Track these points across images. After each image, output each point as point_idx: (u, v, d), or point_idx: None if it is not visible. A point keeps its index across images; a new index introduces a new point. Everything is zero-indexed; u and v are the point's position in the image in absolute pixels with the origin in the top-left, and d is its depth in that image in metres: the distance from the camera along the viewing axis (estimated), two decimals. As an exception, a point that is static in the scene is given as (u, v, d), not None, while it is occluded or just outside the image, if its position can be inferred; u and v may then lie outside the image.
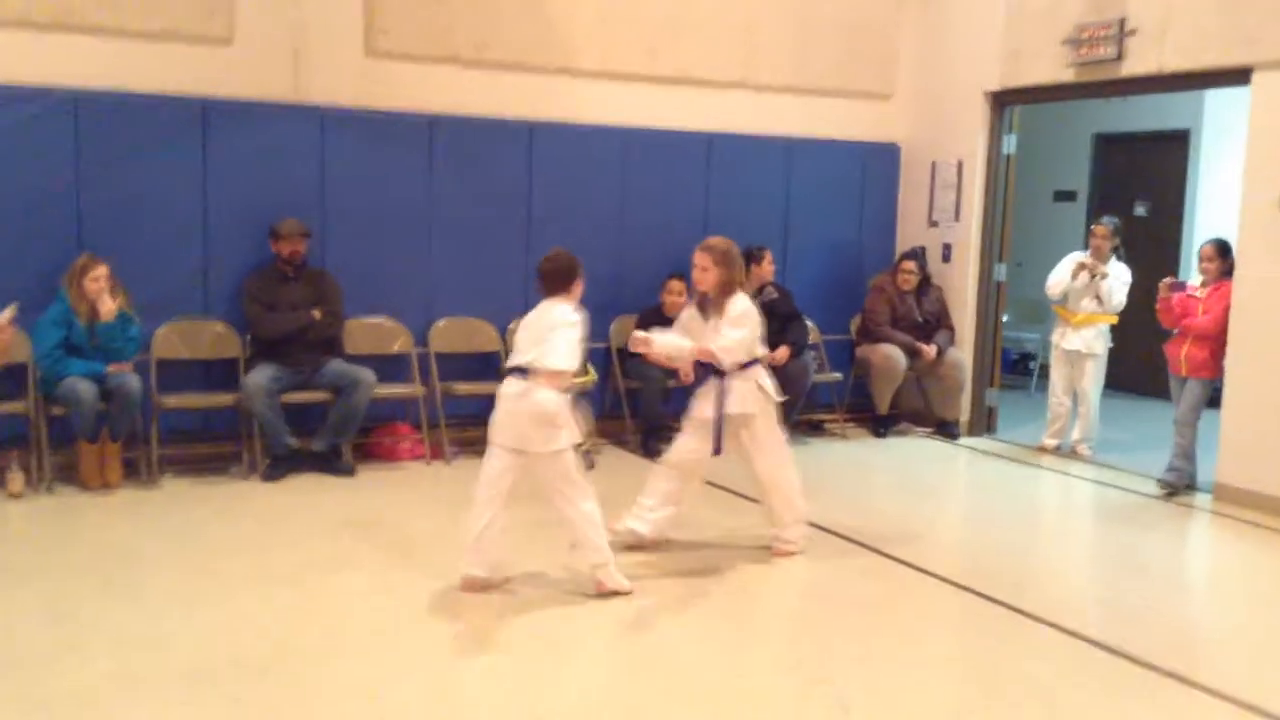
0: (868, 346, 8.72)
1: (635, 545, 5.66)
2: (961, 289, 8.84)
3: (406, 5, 7.58)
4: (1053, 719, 4.07)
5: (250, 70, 7.22)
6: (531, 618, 4.78)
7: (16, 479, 6.28)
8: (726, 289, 5.50)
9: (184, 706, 3.91)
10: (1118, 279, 8.10)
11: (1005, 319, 9.20)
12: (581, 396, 5.00)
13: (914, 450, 8.45)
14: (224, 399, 6.96)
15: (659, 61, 8.38)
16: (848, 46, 9.00)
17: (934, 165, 9.01)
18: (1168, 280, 7.45)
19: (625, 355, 8.13)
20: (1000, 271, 8.84)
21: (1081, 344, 8.17)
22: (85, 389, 6.34)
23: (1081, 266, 8.09)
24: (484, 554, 5.00)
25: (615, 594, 4.98)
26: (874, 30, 9.10)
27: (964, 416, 8.81)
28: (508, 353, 5.77)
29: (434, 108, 7.70)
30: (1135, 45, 7.45)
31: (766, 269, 8.14)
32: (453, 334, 7.68)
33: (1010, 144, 8.69)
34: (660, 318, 8.02)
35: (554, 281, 5.00)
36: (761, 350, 5.73)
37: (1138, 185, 10.84)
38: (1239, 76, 6.96)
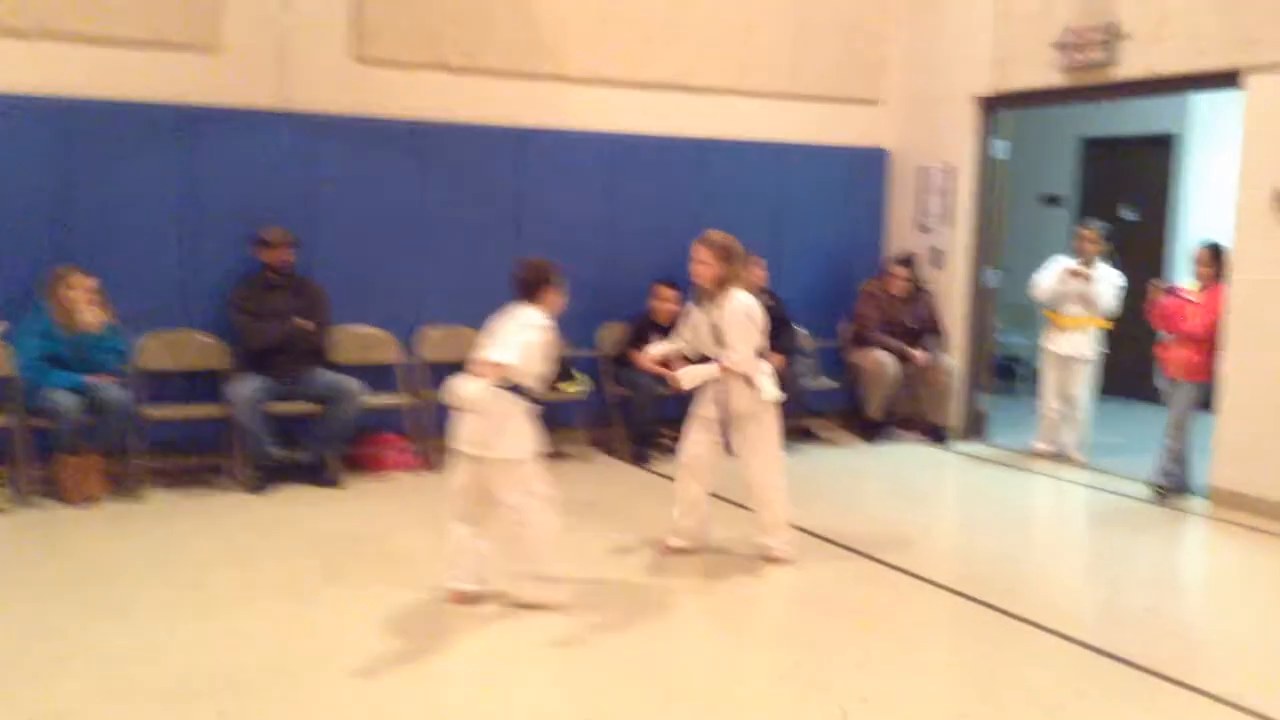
0: (859, 352, 8.69)
1: (683, 551, 5.74)
2: (951, 294, 8.81)
3: (393, 11, 7.51)
4: (1055, 728, 4.03)
5: (236, 77, 7.15)
6: (524, 628, 4.71)
7: (-1, 492, 6.20)
8: (724, 284, 5.46)
9: (171, 724, 3.83)
10: (1108, 283, 8.07)
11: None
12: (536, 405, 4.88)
13: (905, 456, 8.41)
14: (209, 410, 6.87)
15: (649, 68, 8.34)
16: (837, 52, 8.98)
17: (924, 170, 8.98)
18: (1160, 283, 7.43)
19: (616, 363, 8.08)
20: (990, 276, 8.81)
21: (1072, 348, 8.14)
22: (68, 401, 6.25)
23: (1072, 274, 8.07)
24: (465, 567, 4.93)
25: (539, 608, 4.83)
26: (863, 36, 9.08)
27: (955, 422, 8.78)
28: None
29: (422, 114, 7.64)
30: (1126, 49, 7.44)
31: (758, 275, 8.08)
32: (442, 342, 7.60)
33: (1000, 148, 8.67)
34: (651, 324, 7.99)
35: (526, 289, 4.94)
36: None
37: (1124, 189, 10.83)
38: (1230, 80, 6.95)
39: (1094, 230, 8.16)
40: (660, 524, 6.20)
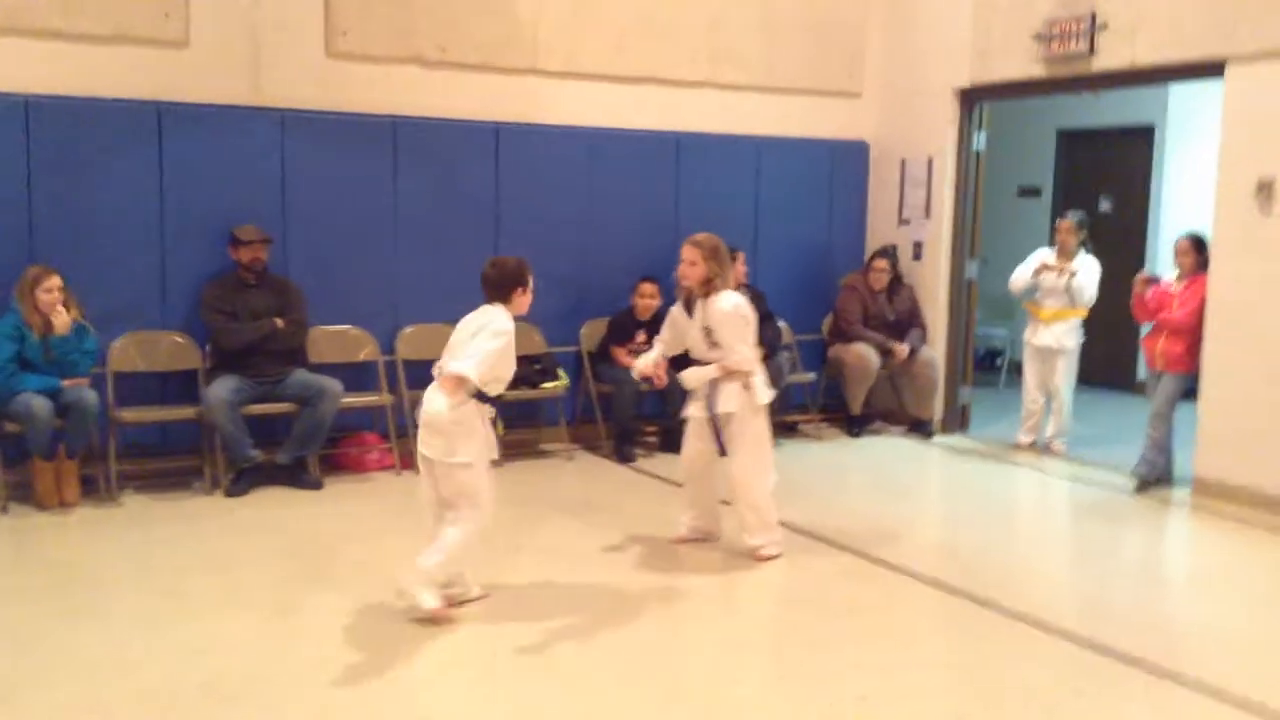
0: (840, 346, 8.64)
1: (693, 541, 5.79)
2: (933, 287, 8.78)
3: (367, 5, 7.40)
4: (1052, 725, 4.00)
5: (207, 73, 7.02)
6: (512, 632, 4.62)
7: (-31, 499, 6.07)
8: (712, 284, 5.42)
9: (153, 737, 3.75)
10: (1087, 273, 8.06)
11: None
12: (493, 410, 4.79)
13: (889, 450, 8.37)
14: (184, 412, 6.76)
15: (625, 61, 8.26)
16: (815, 44, 8.92)
17: (903, 163, 8.94)
18: (1143, 275, 7.43)
19: (596, 359, 8.01)
20: (971, 269, 8.79)
21: (1053, 340, 8.13)
22: (39, 405, 6.12)
23: (1045, 268, 8.06)
24: None
25: (430, 619, 4.68)
26: (842, 27, 9.02)
27: (937, 415, 8.75)
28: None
29: (397, 109, 7.53)
30: (1106, 40, 7.41)
31: (740, 270, 8.02)
32: (420, 340, 7.49)
33: (980, 140, 8.64)
34: (632, 320, 7.93)
35: (494, 288, 4.82)
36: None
37: (1103, 180, 10.84)
38: (1212, 70, 6.93)
39: (1072, 221, 8.15)
40: (648, 520, 6.18)
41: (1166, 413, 7.11)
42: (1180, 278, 7.12)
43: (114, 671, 4.20)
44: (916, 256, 8.88)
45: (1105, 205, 10.72)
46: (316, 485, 6.81)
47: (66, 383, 6.27)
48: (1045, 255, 8.22)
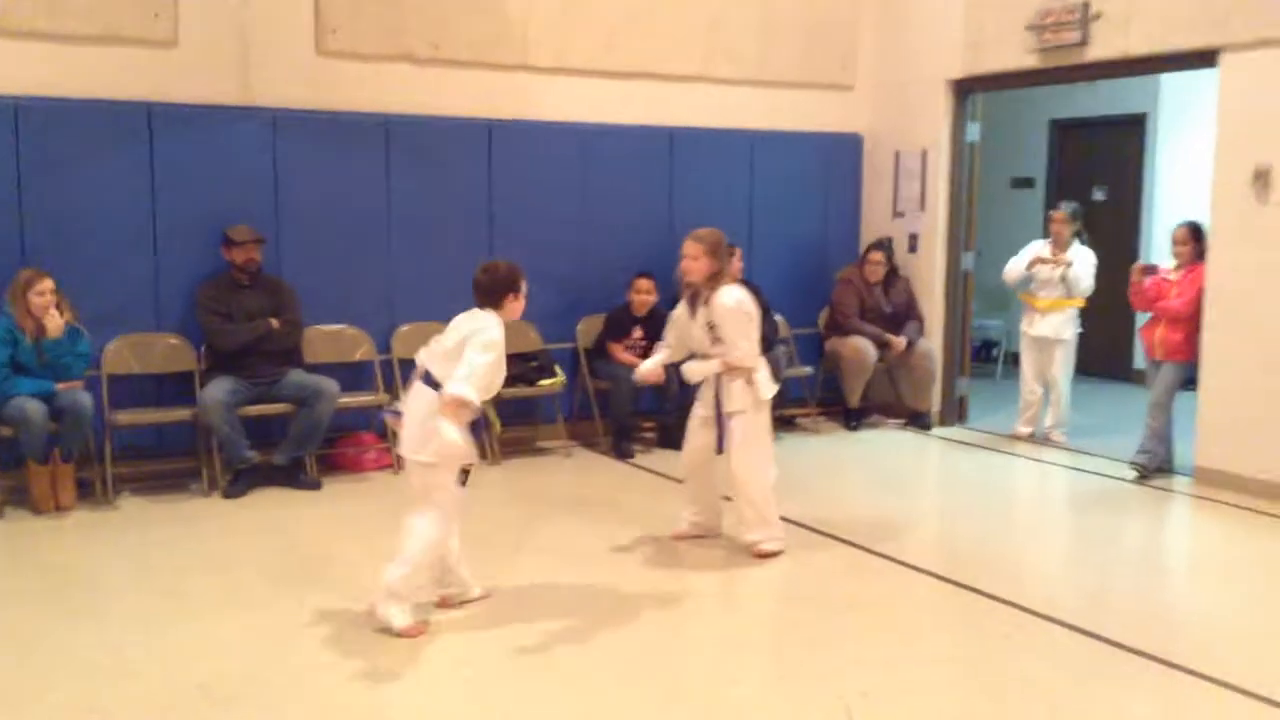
0: (837, 339, 8.62)
1: (692, 538, 5.78)
2: (929, 279, 8.76)
3: (357, 3, 7.35)
4: (1057, 717, 3.97)
5: (197, 72, 6.97)
6: (512, 632, 4.59)
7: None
8: (715, 279, 5.39)
9: (154, 741, 3.71)
10: (1083, 264, 8.05)
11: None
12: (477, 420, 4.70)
13: (887, 442, 8.35)
14: (180, 414, 6.72)
15: (617, 56, 8.22)
16: (808, 37, 8.89)
17: (897, 155, 8.92)
18: (1140, 264, 7.41)
19: (593, 355, 7.98)
20: (967, 260, 8.77)
21: (1050, 330, 8.12)
22: (34, 409, 6.07)
23: (1039, 261, 8.05)
24: (433, 572, 4.77)
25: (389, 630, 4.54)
26: (834, 20, 8.99)
27: (935, 407, 8.73)
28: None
29: (389, 108, 7.49)
30: (1100, 29, 7.39)
31: (736, 266, 7.97)
32: (416, 339, 7.35)
33: (974, 131, 8.63)
34: (629, 316, 7.90)
35: (485, 294, 4.66)
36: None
37: (1096, 170, 10.84)
38: (1205, 59, 6.92)
39: (1065, 212, 8.14)
40: (647, 517, 6.15)
41: (1166, 402, 7.10)
42: (1178, 267, 7.10)
43: (112, 674, 4.17)
44: (912, 249, 8.86)
45: (1099, 195, 10.70)
46: (314, 486, 6.78)
47: (61, 386, 6.22)
48: (1039, 248, 8.20)
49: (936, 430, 8.59)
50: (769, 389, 5.52)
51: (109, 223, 6.74)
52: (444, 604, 4.83)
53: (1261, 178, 6.57)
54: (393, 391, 7.27)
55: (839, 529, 5.97)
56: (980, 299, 9.49)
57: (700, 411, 5.61)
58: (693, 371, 5.52)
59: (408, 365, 7.26)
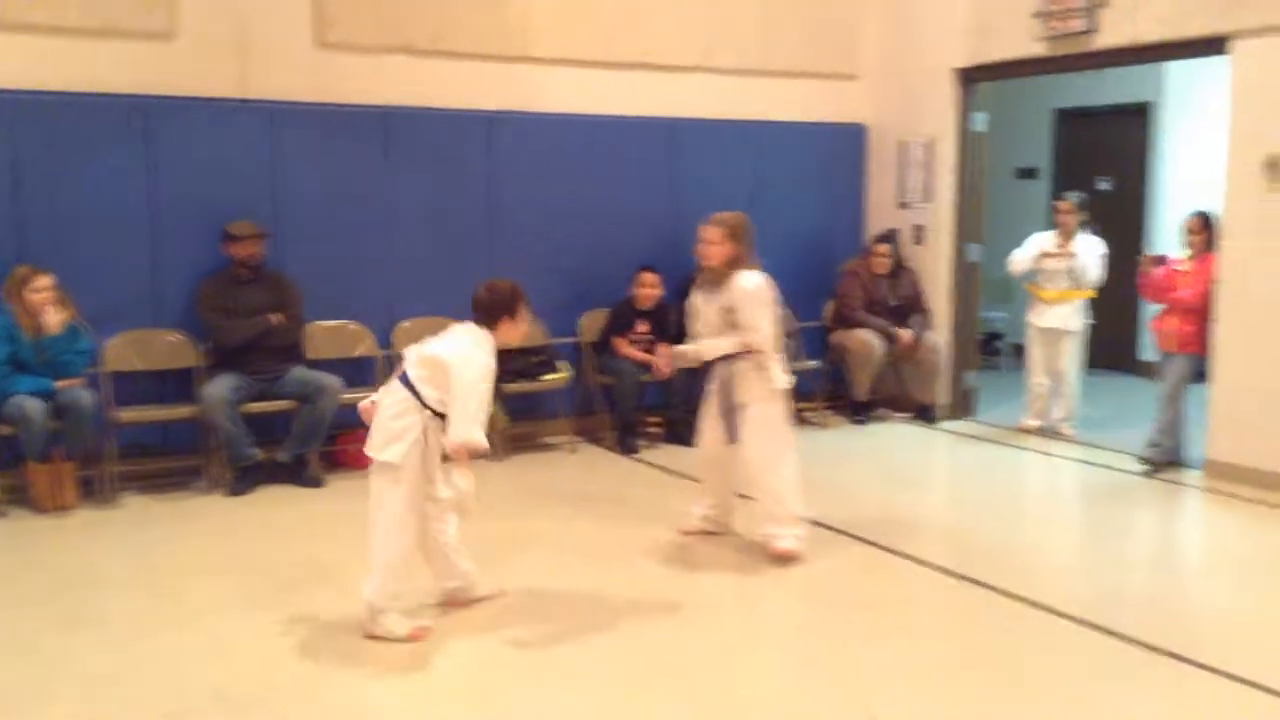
0: (843, 333, 8.55)
1: (702, 534, 5.69)
2: (935, 271, 8.68)
3: (355, -8, 7.27)
4: (1082, 717, 3.90)
5: (194, 66, 6.88)
6: (522, 632, 4.53)
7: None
8: (735, 264, 5.28)
9: (163, 748, 3.64)
10: (1090, 254, 7.98)
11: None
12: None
13: (895, 436, 8.28)
14: (182, 411, 6.63)
15: (619, 47, 8.13)
16: (811, 26, 8.81)
17: (902, 145, 8.84)
18: (1150, 254, 7.34)
19: (597, 350, 7.91)
20: (974, 252, 8.69)
21: (1058, 321, 8.04)
22: (34, 407, 5.99)
23: (1045, 255, 7.98)
24: (435, 569, 4.73)
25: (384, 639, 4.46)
26: (837, 9, 8.91)
27: (942, 400, 8.66)
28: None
29: (388, 100, 7.41)
30: (1107, 17, 7.32)
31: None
32: (418, 334, 7.18)
33: (980, 121, 8.55)
34: (633, 310, 7.83)
35: (482, 313, 4.50)
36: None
37: (1100, 160, 10.76)
38: (1215, 46, 6.84)
39: (1071, 201, 8.07)
40: (654, 513, 6.08)
41: (1176, 395, 7.02)
42: (1190, 257, 7.03)
43: (119, 682, 4.09)
44: (918, 240, 8.78)
45: (1103, 185, 10.63)
46: (318, 483, 6.70)
47: (61, 384, 6.14)
48: (1044, 240, 8.13)
49: (944, 424, 8.52)
50: (784, 379, 5.41)
51: (107, 218, 6.65)
52: (451, 602, 4.76)
53: (1274, 166, 6.49)
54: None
55: (849, 525, 5.89)
56: (984, 291, 9.42)
57: (713, 404, 5.49)
58: (706, 349, 5.38)
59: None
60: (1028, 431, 8.16)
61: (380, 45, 7.39)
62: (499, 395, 7.22)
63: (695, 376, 5.80)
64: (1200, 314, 6.89)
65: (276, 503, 6.40)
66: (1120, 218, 10.15)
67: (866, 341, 8.35)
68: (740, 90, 8.59)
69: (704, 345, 5.41)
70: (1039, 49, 7.79)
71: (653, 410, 8.05)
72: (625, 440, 7.66)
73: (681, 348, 5.58)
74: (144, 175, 6.74)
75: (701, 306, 5.43)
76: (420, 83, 7.51)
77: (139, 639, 4.46)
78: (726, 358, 5.34)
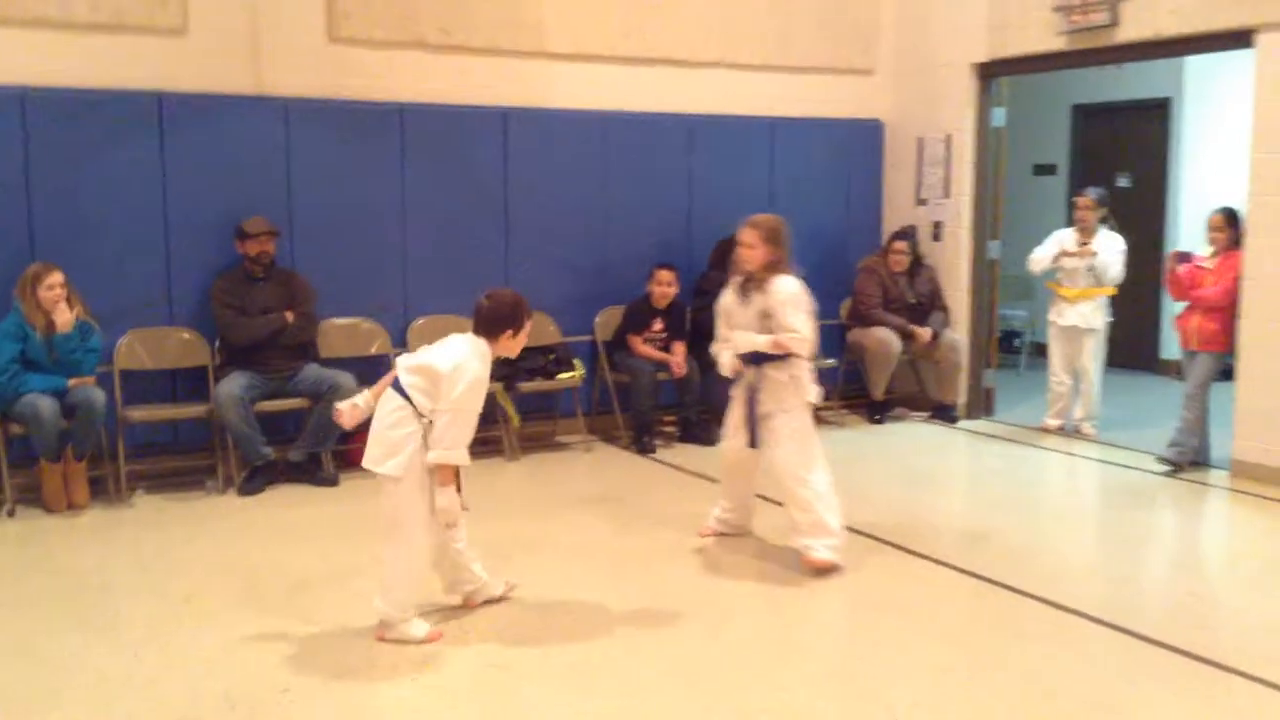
0: (860, 330, 8.46)
1: (721, 535, 5.64)
2: (954, 268, 8.59)
3: (368, -13, 7.20)
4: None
5: (207, 61, 6.83)
6: (540, 635, 4.46)
7: (-25, 504, 5.89)
8: (772, 268, 5.17)
9: (176, 754, 3.58)
10: (1111, 250, 7.87)
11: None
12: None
13: (914, 436, 8.18)
14: (194, 410, 6.59)
15: (635, 42, 8.06)
16: (828, 21, 8.72)
17: (920, 141, 8.74)
18: (1175, 251, 7.23)
19: (612, 348, 7.83)
20: (994, 249, 8.59)
21: (1080, 319, 7.94)
22: (45, 406, 5.94)
23: (1065, 254, 7.88)
24: (444, 580, 4.67)
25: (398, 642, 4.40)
26: (855, 4, 8.82)
27: (961, 399, 8.56)
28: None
29: (402, 95, 7.35)
30: (1130, 9, 7.21)
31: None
32: (432, 332, 7.22)
33: (999, 116, 8.45)
34: (649, 308, 7.75)
35: (483, 324, 4.40)
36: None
37: (1119, 156, 10.64)
38: (1240, 39, 6.74)
39: (1091, 198, 7.96)
40: (671, 514, 6.00)
41: (1200, 394, 6.92)
42: (1214, 254, 6.92)
43: (131, 686, 4.02)
44: (936, 237, 8.69)
45: (1123, 181, 10.51)
46: (332, 482, 6.64)
47: (72, 382, 6.09)
48: (1064, 238, 8.02)
49: (963, 423, 8.42)
50: (813, 389, 5.29)
51: (120, 215, 6.60)
52: (468, 604, 4.71)
53: (1301, 162, 6.39)
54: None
55: (874, 528, 5.78)
56: (1002, 288, 9.33)
57: (738, 408, 5.38)
58: (740, 342, 5.22)
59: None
60: (1049, 431, 8.06)
61: (394, 41, 7.33)
62: (511, 394, 7.18)
63: (712, 376, 5.68)
64: (1224, 312, 6.78)
65: (289, 503, 6.34)
66: (1139, 214, 10.04)
67: (884, 340, 8.26)
68: (757, 86, 8.51)
69: (738, 338, 5.24)
70: (1059, 43, 7.69)
71: (669, 409, 7.97)
72: (641, 440, 7.58)
73: (718, 345, 5.40)
74: (157, 172, 6.69)
75: (736, 310, 5.28)
76: (434, 78, 7.45)
77: (150, 641, 4.40)
78: (757, 363, 5.22)
